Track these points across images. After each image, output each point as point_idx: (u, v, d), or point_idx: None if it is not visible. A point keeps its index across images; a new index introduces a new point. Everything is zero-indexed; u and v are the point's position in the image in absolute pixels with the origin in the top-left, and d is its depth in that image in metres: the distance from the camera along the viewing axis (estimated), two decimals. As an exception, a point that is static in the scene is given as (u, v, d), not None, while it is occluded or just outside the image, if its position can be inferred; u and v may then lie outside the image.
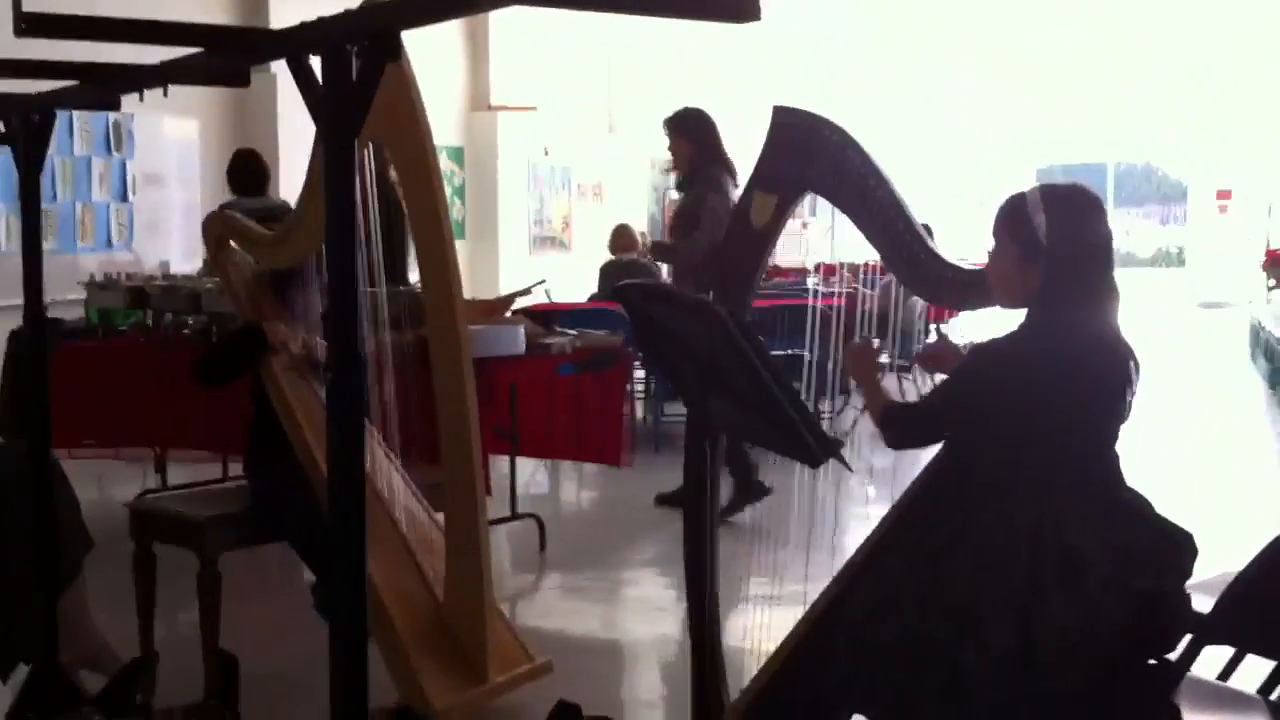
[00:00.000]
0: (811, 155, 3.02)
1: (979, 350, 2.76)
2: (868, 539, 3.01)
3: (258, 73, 2.84)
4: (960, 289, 2.94)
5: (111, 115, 8.81)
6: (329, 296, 2.17)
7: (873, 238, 3.01)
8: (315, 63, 2.15)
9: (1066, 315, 2.63)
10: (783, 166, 3.08)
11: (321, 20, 2.12)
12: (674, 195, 6.95)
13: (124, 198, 9.23)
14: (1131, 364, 2.66)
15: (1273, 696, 2.71)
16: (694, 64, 15.42)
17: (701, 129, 6.14)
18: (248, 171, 7.31)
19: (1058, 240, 2.61)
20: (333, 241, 2.11)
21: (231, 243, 4.17)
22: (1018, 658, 2.48)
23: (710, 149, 6.10)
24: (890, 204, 2.96)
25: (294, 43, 2.17)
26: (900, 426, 2.80)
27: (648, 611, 5.00)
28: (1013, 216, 2.68)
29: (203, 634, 3.77)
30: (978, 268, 2.98)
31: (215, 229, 4.17)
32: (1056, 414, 2.60)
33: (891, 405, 2.84)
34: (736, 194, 6.04)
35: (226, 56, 2.49)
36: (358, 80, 2.07)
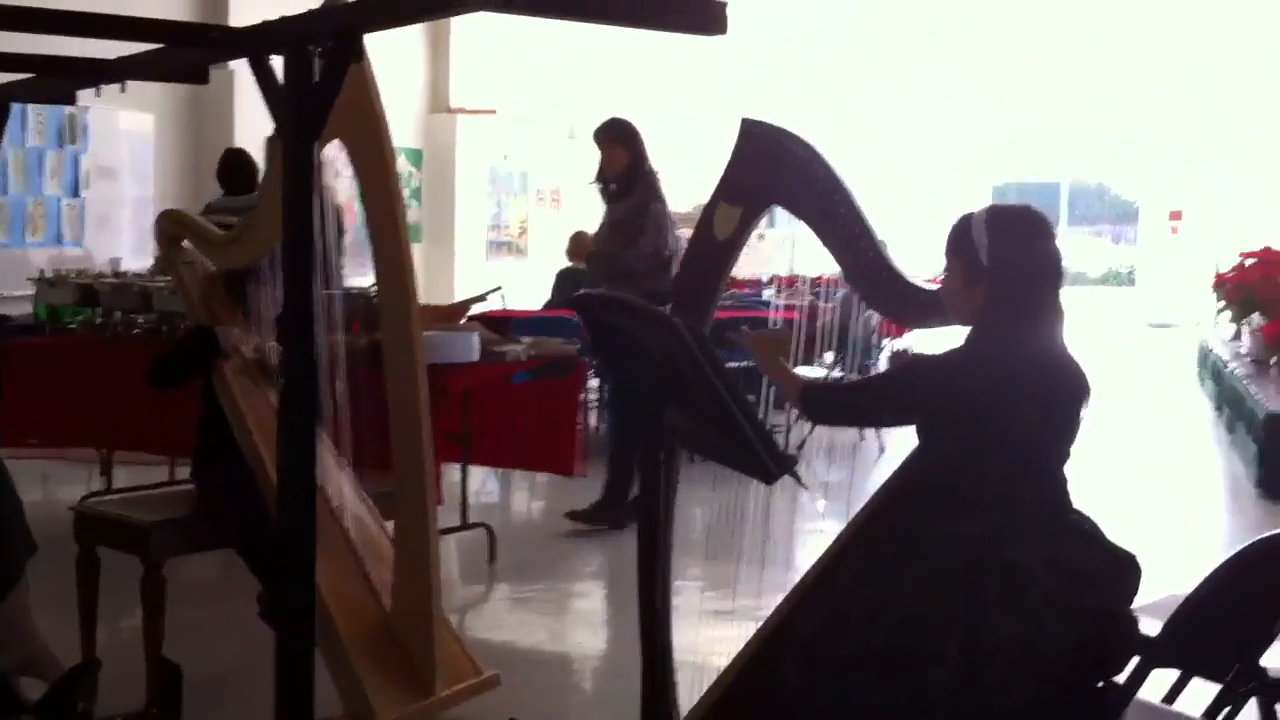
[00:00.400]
0: (778, 169, 3.02)
1: (917, 359, 2.81)
2: (821, 555, 3.00)
3: (216, 69, 2.81)
4: (920, 308, 2.95)
5: (66, 108, 8.71)
6: (284, 299, 2.14)
7: (836, 252, 3.02)
8: (277, 62, 2.13)
9: (1005, 334, 2.66)
10: (748, 178, 3.08)
11: (284, 19, 2.10)
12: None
13: (76, 192, 9.12)
14: (1082, 386, 2.68)
15: (1218, 720, 2.72)
16: (654, 71, 15.43)
17: (636, 137, 6.17)
18: (236, 170, 7.39)
19: (998, 261, 2.65)
20: (290, 243, 2.09)
21: (185, 242, 4.12)
22: (962, 675, 2.48)
23: (642, 158, 6.15)
24: (854, 219, 2.97)
25: (256, 42, 2.14)
26: (822, 403, 2.89)
27: (597, 624, 4.98)
28: (959, 237, 2.72)
29: (146, 641, 3.70)
30: (938, 287, 2.99)
31: (167, 227, 4.11)
32: (995, 431, 2.62)
33: (809, 384, 2.92)
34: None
35: (188, 53, 2.45)
36: (320, 81, 2.05)
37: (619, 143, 6.15)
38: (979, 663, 2.48)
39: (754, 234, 3.31)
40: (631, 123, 6.26)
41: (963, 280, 2.70)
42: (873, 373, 7.70)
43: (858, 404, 2.89)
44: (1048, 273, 2.69)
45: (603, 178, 6.25)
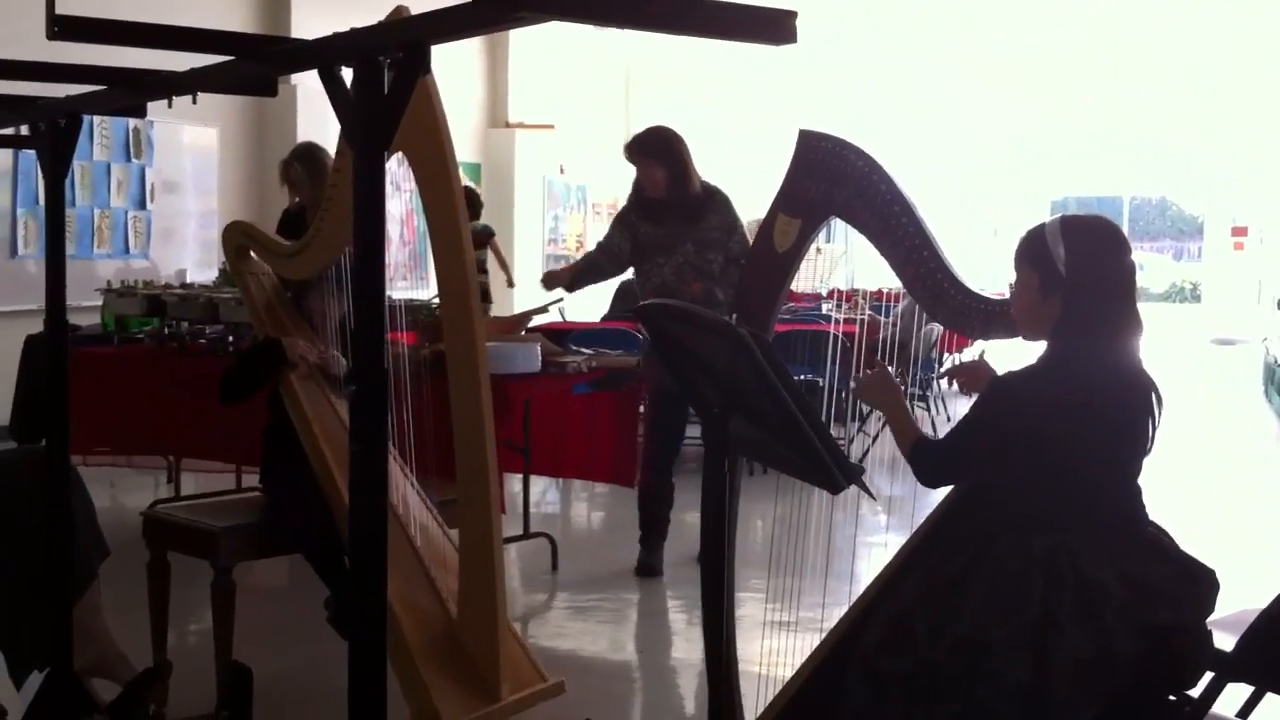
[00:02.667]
0: (837, 180, 3.02)
1: (998, 382, 2.75)
2: (884, 568, 2.99)
3: (280, 83, 2.84)
4: (984, 319, 2.94)
5: (131, 122, 8.87)
6: (355, 308, 2.16)
7: (896, 264, 3.00)
8: (346, 74, 2.16)
9: (1085, 346, 2.62)
10: (807, 190, 3.07)
11: (354, 31, 2.13)
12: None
13: (142, 205, 9.27)
14: (1154, 395, 2.65)
15: (1293, 736, 2.68)
16: (712, 84, 15.44)
17: (675, 148, 5.49)
18: (468, 202, 8.47)
19: (1076, 271, 2.62)
20: (361, 253, 2.11)
21: (251, 253, 4.18)
22: (1031, 690, 2.46)
23: (689, 169, 5.50)
24: (915, 231, 2.96)
25: (326, 53, 2.17)
26: (928, 461, 2.76)
27: (660, 634, 4.98)
28: (1033, 247, 2.69)
29: (216, 644, 3.76)
30: (1000, 298, 2.97)
31: (234, 238, 4.17)
32: (1075, 445, 2.59)
33: (919, 440, 2.81)
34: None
35: (257, 65, 2.49)
36: (389, 92, 2.07)
37: (652, 157, 5.45)
38: (1049, 678, 2.46)
39: (812, 248, 3.31)
40: (670, 131, 5.55)
41: (1036, 291, 2.66)
42: (933, 385, 7.65)
43: (959, 448, 2.75)
44: (1125, 284, 2.66)
45: (648, 195, 5.51)
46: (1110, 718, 2.48)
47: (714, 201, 5.53)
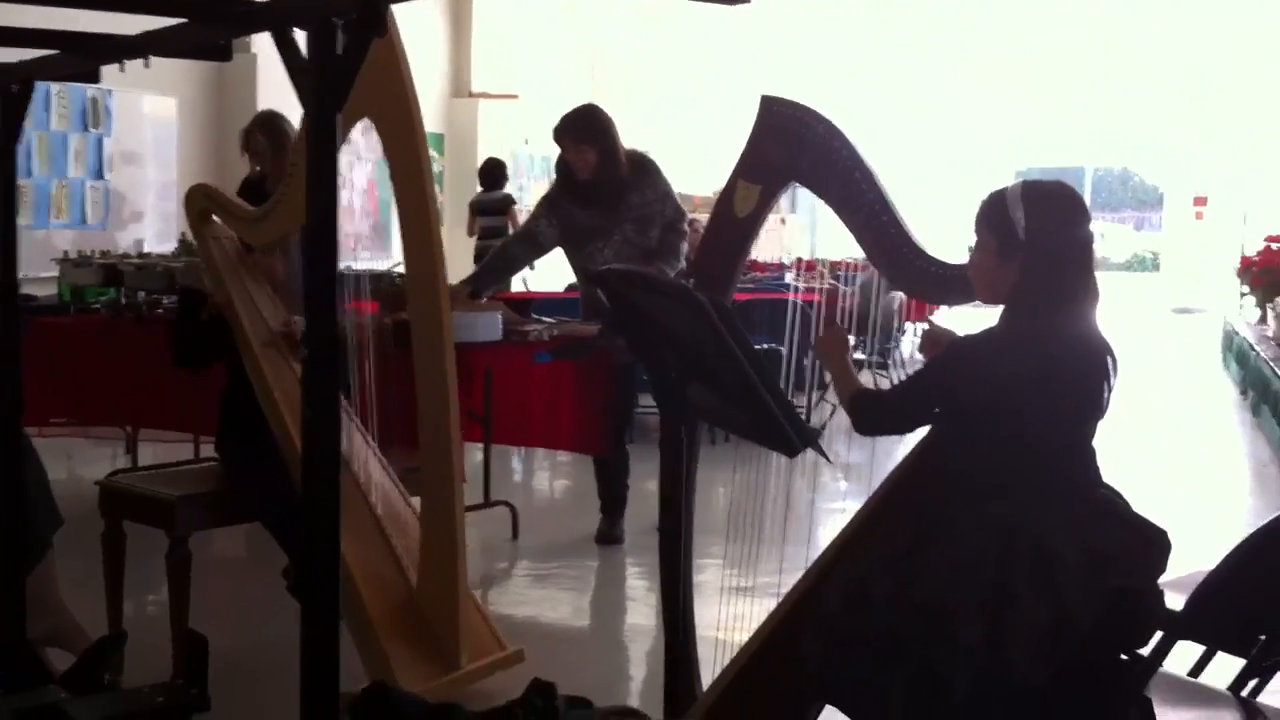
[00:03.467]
0: (798, 146, 3.01)
1: (954, 345, 2.76)
2: (841, 532, 3.00)
3: (238, 52, 2.82)
4: (943, 284, 2.94)
5: (89, 91, 8.76)
6: (308, 273, 2.15)
7: (856, 230, 3.00)
8: (301, 37, 2.13)
9: (1043, 313, 2.62)
10: (768, 156, 3.07)
11: (308, -8, 2.10)
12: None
13: (100, 175, 9.16)
14: (1109, 359, 2.67)
15: (1243, 693, 2.72)
16: (676, 54, 15.39)
17: (606, 131, 5.30)
18: (490, 172, 11.54)
19: (1035, 236, 2.60)
20: (314, 217, 2.09)
21: (214, 217, 4.15)
22: (986, 655, 2.48)
23: (618, 149, 5.33)
24: (876, 198, 2.96)
25: (279, 15, 2.15)
26: (868, 413, 2.80)
27: (620, 601, 4.99)
28: (992, 211, 2.67)
29: (172, 614, 3.74)
30: (960, 264, 2.98)
31: (198, 202, 4.14)
32: (1032, 412, 2.60)
33: (862, 391, 2.85)
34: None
35: (210, 27, 2.46)
36: (343, 54, 2.05)
37: (584, 140, 5.28)
38: (1004, 643, 2.47)
39: (776, 218, 3.31)
40: (599, 110, 5.40)
41: (994, 255, 2.66)
42: (893, 355, 7.68)
43: (905, 405, 2.79)
44: (1083, 252, 2.66)
45: (581, 178, 5.31)
46: (1065, 677, 2.50)
47: (644, 174, 5.41)
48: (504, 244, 5.69)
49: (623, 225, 5.36)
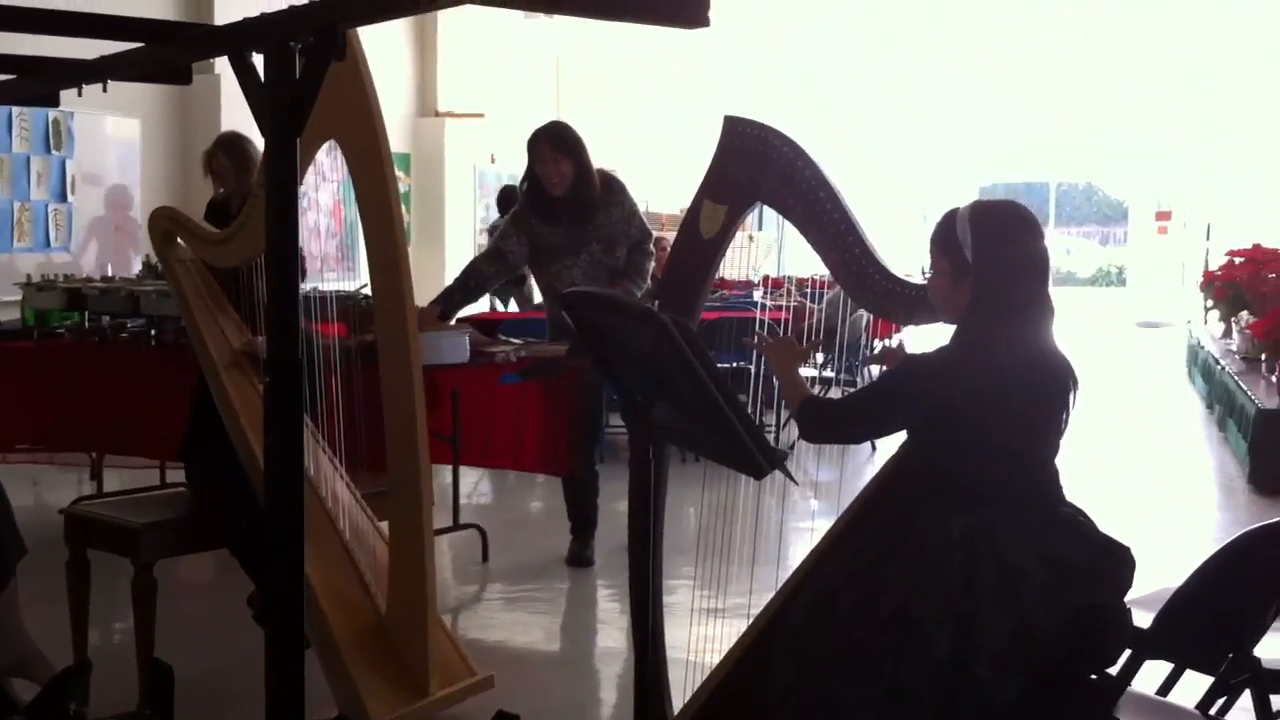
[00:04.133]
0: (762, 166, 3.01)
1: (907, 361, 2.79)
2: (811, 552, 3.00)
3: (201, 72, 2.80)
4: (908, 304, 2.95)
5: (51, 113, 8.70)
6: (269, 297, 2.13)
7: (821, 250, 3.01)
8: (259, 61, 2.12)
9: (995, 330, 2.64)
10: (733, 177, 3.07)
11: (264, 16, 2.09)
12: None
13: (63, 197, 9.09)
14: (1070, 378, 2.68)
15: (1211, 711, 2.72)
16: (641, 73, 15.42)
17: (580, 144, 5.33)
18: (509, 199, 10.32)
19: (982, 258, 2.63)
20: (275, 241, 2.08)
21: (178, 239, 4.12)
22: (953, 669, 2.48)
23: (589, 165, 5.34)
24: (841, 217, 2.96)
25: (236, 39, 2.13)
26: (815, 420, 2.81)
27: (591, 623, 4.97)
28: (944, 234, 2.71)
29: (137, 642, 3.70)
30: (924, 283, 2.99)
31: (161, 224, 4.11)
32: (991, 423, 2.61)
33: (810, 398, 2.86)
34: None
35: (168, 52, 2.44)
36: (301, 78, 2.04)
37: (566, 153, 5.27)
38: (971, 657, 2.47)
39: (744, 235, 3.31)
40: (572, 128, 5.42)
41: (949, 277, 2.69)
42: (860, 371, 7.71)
43: (854, 414, 2.81)
44: (1034, 268, 2.68)
45: (553, 193, 5.31)
46: (1033, 696, 2.50)
47: (611, 194, 5.41)
48: (473, 262, 5.65)
49: (589, 244, 5.36)
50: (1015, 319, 2.65)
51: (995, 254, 2.64)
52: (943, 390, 2.62)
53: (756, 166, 3.03)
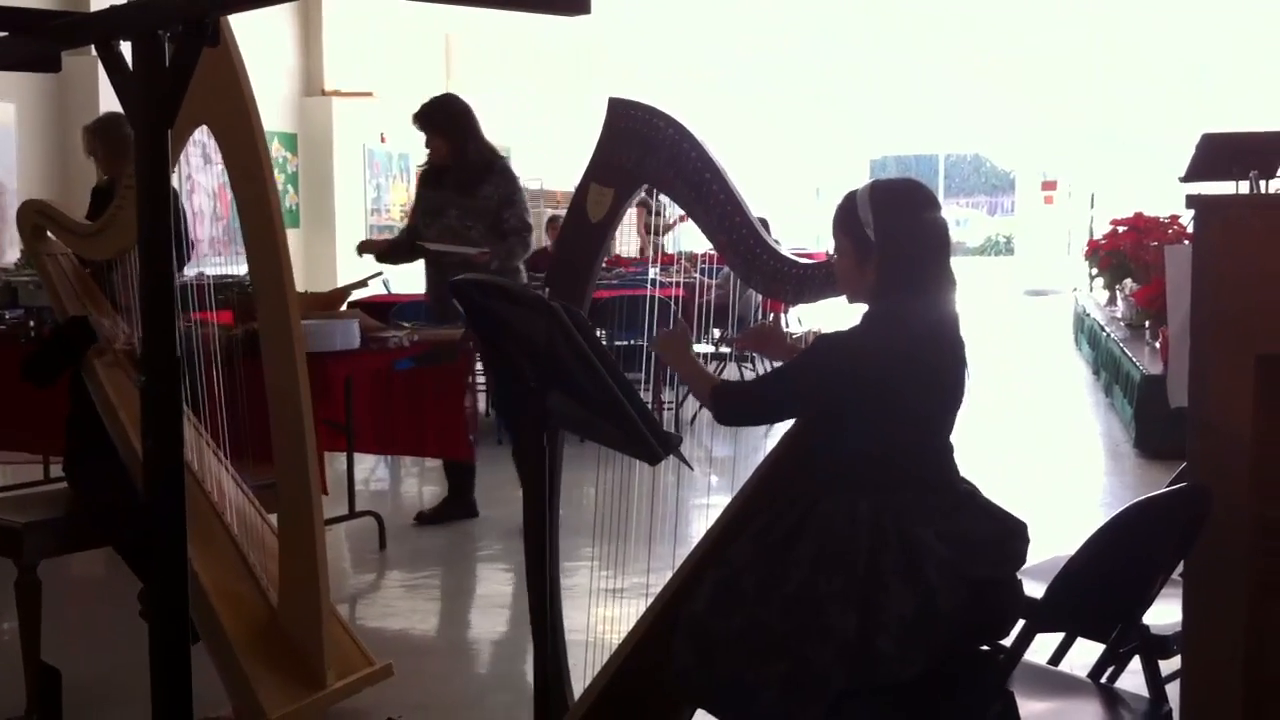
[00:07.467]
0: (648, 148, 3.00)
1: (820, 341, 2.78)
2: (710, 529, 3.00)
3: (78, 56, 2.72)
4: (796, 283, 2.95)
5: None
6: (142, 294, 2.06)
7: (709, 232, 3.00)
8: (126, 49, 2.05)
9: (903, 307, 2.66)
10: (619, 159, 3.04)
11: (132, 4, 2.02)
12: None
13: (-65, 186, 8.81)
14: (964, 352, 2.71)
15: (1103, 679, 2.77)
16: (533, 50, 15.33)
17: (458, 122, 5.63)
18: None
19: (884, 237, 2.65)
20: (147, 233, 2.01)
21: (49, 233, 4.00)
22: (858, 647, 2.49)
23: (467, 143, 5.64)
24: (726, 198, 2.95)
25: (103, 27, 2.06)
26: (730, 404, 2.81)
27: (490, 609, 4.94)
28: (845, 216, 2.72)
29: (23, 645, 3.59)
30: (813, 261, 3.00)
31: (30, 218, 3.98)
32: (896, 405, 2.63)
33: (719, 386, 2.86)
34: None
35: (32, 42, 2.36)
36: (171, 66, 1.97)
37: (433, 128, 5.61)
38: (876, 635, 2.49)
39: (635, 211, 3.30)
40: (456, 102, 5.73)
41: (854, 257, 2.70)
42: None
43: (768, 396, 2.81)
44: (936, 243, 2.70)
45: (435, 162, 5.72)
46: (932, 672, 2.53)
47: (491, 172, 5.65)
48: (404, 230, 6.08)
49: (450, 211, 5.64)
50: (922, 292, 2.67)
51: (897, 231, 2.66)
52: (858, 367, 2.63)
53: (642, 148, 3.01)
